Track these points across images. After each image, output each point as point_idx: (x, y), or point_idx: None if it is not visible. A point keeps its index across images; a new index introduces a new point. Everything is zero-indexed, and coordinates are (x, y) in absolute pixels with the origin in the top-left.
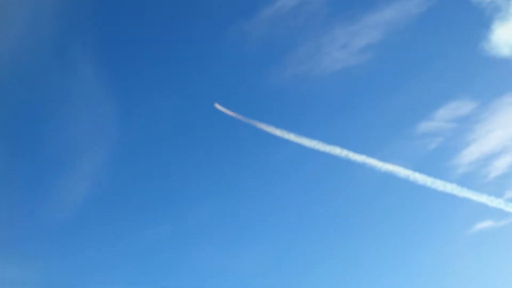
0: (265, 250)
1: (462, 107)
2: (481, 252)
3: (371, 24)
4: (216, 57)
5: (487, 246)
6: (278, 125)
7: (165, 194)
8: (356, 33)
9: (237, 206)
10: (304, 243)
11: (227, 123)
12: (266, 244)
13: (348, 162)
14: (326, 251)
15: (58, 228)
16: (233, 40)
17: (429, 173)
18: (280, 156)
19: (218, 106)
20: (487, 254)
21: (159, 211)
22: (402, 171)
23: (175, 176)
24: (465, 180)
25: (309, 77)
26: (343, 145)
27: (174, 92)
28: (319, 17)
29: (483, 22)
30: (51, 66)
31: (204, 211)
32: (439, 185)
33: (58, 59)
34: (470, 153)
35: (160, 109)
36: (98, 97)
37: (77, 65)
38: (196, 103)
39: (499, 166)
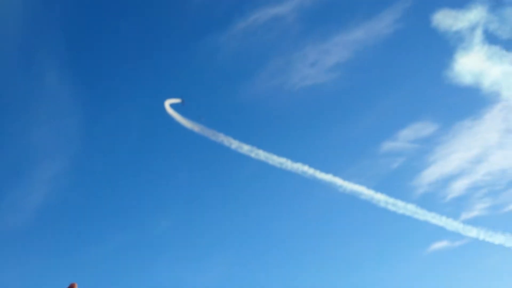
0: (224, 263)
1: (424, 128)
2: (436, 272)
3: (341, 43)
4: (188, 68)
5: (442, 265)
6: (246, 140)
7: (125, 203)
8: (326, 51)
9: (200, 218)
10: (264, 259)
11: (195, 135)
12: (226, 257)
13: (314, 181)
14: (287, 267)
15: (12, 234)
16: (205, 52)
17: (390, 192)
18: (246, 171)
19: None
20: (442, 274)
21: (119, 220)
22: (365, 191)
23: (136, 185)
24: (424, 200)
25: (279, 92)
26: (309, 162)
27: (141, 102)
28: (291, 34)
29: (447, 51)
30: (16, 72)
31: (166, 222)
32: (399, 206)
33: (24, 65)
34: (430, 174)
35: (126, 119)
36: (63, 104)
37: (43, 72)
38: (164, 114)
39: (457, 188)
